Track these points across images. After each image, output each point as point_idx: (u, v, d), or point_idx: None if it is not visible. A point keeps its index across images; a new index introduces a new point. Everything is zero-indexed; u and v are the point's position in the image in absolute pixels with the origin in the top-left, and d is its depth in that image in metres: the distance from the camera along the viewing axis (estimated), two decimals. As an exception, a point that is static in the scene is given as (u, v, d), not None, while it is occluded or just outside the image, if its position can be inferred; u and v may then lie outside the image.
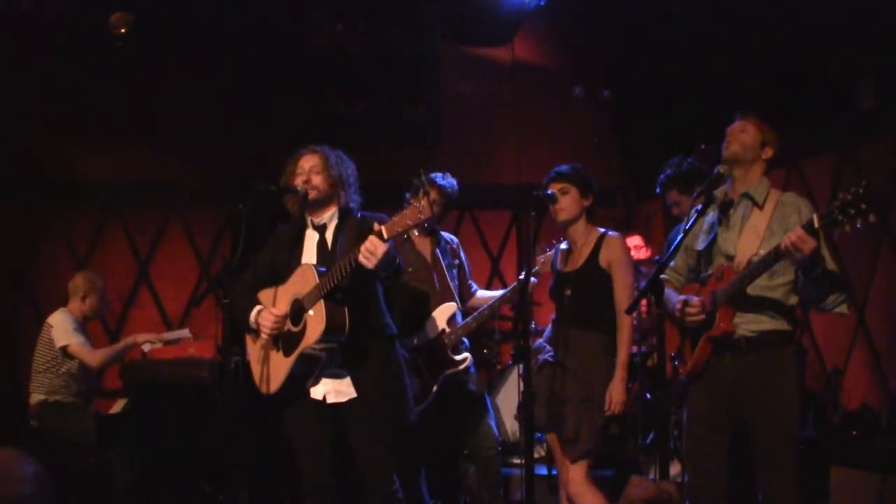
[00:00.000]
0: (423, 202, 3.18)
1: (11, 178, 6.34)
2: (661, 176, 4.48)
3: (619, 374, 3.68)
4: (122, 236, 6.77)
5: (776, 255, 3.00)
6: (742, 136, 3.33)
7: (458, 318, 4.47)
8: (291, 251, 3.68)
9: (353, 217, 3.69)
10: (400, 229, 3.22)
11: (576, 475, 3.68)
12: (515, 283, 4.44)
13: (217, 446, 4.69)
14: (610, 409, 3.66)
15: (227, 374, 3.97)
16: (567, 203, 3.78)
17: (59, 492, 1.92)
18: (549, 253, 4.20)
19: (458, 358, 4.34)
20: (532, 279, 4.23)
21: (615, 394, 3.66)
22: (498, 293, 4.61)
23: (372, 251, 3.21)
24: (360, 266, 3.26)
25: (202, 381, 5.04)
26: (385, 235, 3.22)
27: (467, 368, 4.40)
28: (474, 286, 4.80)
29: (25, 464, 1.83)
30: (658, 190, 4.53)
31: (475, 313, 4.47)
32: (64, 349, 5.05)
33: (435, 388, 4.28)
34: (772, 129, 3.37)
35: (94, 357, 5.08)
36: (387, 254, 3.23)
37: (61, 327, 5.08)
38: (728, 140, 3.34)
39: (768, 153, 3.33)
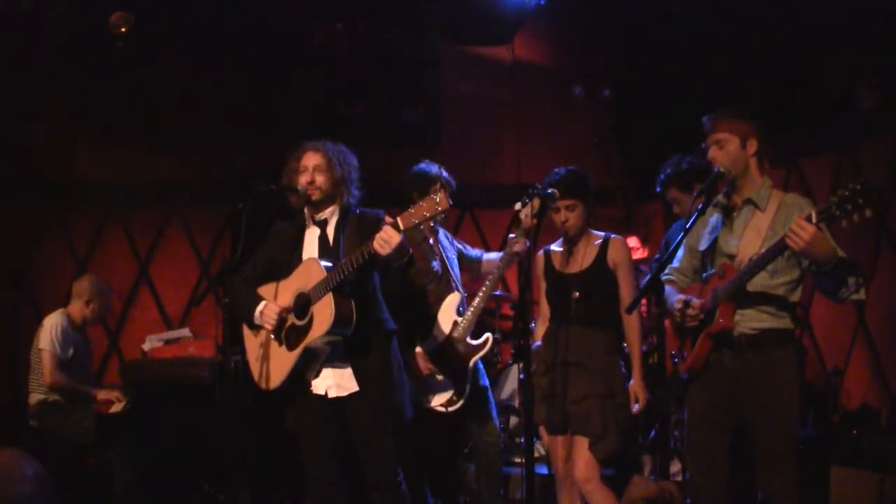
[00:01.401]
0: (440, 195, 3.21)
1: (11, 178, 6.34)
2: (661, 175, 4.48)
3: (638, 372, 3.75)
4: (122, 236, 6.77)
5: (779, 248, 3.00)
6: (722, 152, 3.28)
7: (465, 305, 4.44)
8: (292, 247, 3.70)
9: (352, 213, 3.72)
10: (416, 220, 3.26)
11: (593, 473, 3.70)
12: (506, 256, 4.26)
13: (217, 446, 4.69)
14: (639, 407, 3.72)
15: (227, 373, 3.98)
16: (575, 219, 3.82)
17: (59, 492, 1.91)
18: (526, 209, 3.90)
19: (479, 342, 4.26)
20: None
21: (640, 392, 3.73)
22: (494, 255, 4.57)
23: (387, 240, 3.27)
24: (371, 257, 3.31)
25: (202, 380, 5.04)
26: (401, 226, 3.27)
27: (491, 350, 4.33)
28: (477, 252, 4.69)
29: (26, 464, 1.83)
30: (658, 189, 4.54)
31: (480, 294, 4.33)
32: (39, 351, 5.02)
33: (468, 384, 4.22)
34: (744, 117, 3.30)
35: (53, 376, 4.97)
36: (400, 244, 3.29)
37: (47, 330, 5.05)
38: (715, 161, 3.29)
39: (753, 146, 3.28)
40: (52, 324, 5.08)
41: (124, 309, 6.61)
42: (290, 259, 3.66)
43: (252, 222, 3.52)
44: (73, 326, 5.16)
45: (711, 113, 3.36)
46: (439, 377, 4.24)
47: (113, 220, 6.76)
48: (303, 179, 3.64)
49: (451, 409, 4.21)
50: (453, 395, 4.22)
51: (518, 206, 3.86)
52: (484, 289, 4.32)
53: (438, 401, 4.23)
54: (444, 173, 4.34)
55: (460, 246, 4.65)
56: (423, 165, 4.41)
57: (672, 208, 4.58)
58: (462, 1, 6.73)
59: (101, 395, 5.14)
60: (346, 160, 3.74)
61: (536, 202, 3.69)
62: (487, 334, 4.30)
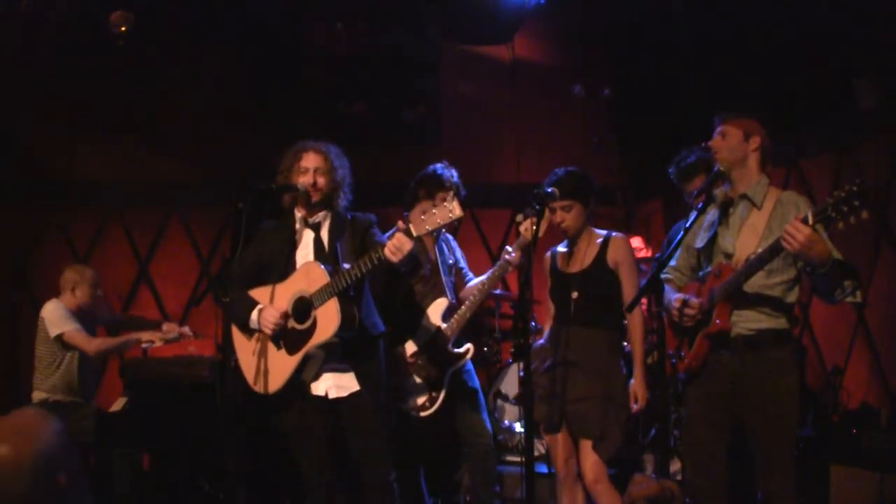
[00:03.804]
0: (454, 203, 3.20)
1: (11, 178, 6.34)
2: (691, 157, 4.30)
3: (640, 371, 3.75)
4: (122, 236, 6.78)
5: (775, 249, 3.00)
6: (724, 142, 3.33)
7: (451, 312, 4.41)
8: (285, 249, 3.68)
9: (344, 217, 3.72)
10: (430, 227, 3.24)
11: (601, 474, 3.70)
12: (497, 265, 4.20)
13: (217, 446, 4.69)
14: (639, 407, 3.72)
15: (228, 373, 3.97)
16: (572, 220, 3.81)
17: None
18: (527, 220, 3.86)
19: (460, 350, 4.25)
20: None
21: (640, 391, 3.73)
22: (483, 277, 4.42)
23: (399, 247, 3.26)
24: (381, 263, 3.31)
25: (202, 379, 5.03)
26: (414, 233, 3.26)
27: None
28: (469, 275, 4.65)
29: (48, 422, 1.86)
30: (678, 179, 4.36)
31: (467, 302, 4.31)
32: (60, 338, 4.99)
33: (444, 390, 4.19)
34: (752, 118, 3.34)
35: (90, 344, 5.01)
36: (411, 251, 3.29)
37: (52, 316, 5.02)
38: (715, 151, 3.35)
39: (755, 142, 3.31)
40: (52, 308, 5.06)
41: (124, 308, 6.61)
42: (283, 261, 3.64)
43: (252, 222, 3.52)
44: (70, 311, 5.13)
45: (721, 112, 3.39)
46: (417, 380, 4.22)
47: (113, 220, 6.76)
48: (304, 179, 3.63)
49: (423, 413, 4.18)
50: (426, 400, 4.20)
51: (520, 217, 3.87)
52: (472, 298, 4.30)
53: (412, 404, 4.21)
54: (455, 178, 4.32)
55: (459, 256, 4.63)
56: (439, 167, 4.34)
57: (677, 203, 4.51)
58: (462, 1, 6.73)
59: (144, 336, 5.18)
60: (345, 163, 3.75)
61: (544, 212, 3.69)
62: (468, 345, 4.28)
